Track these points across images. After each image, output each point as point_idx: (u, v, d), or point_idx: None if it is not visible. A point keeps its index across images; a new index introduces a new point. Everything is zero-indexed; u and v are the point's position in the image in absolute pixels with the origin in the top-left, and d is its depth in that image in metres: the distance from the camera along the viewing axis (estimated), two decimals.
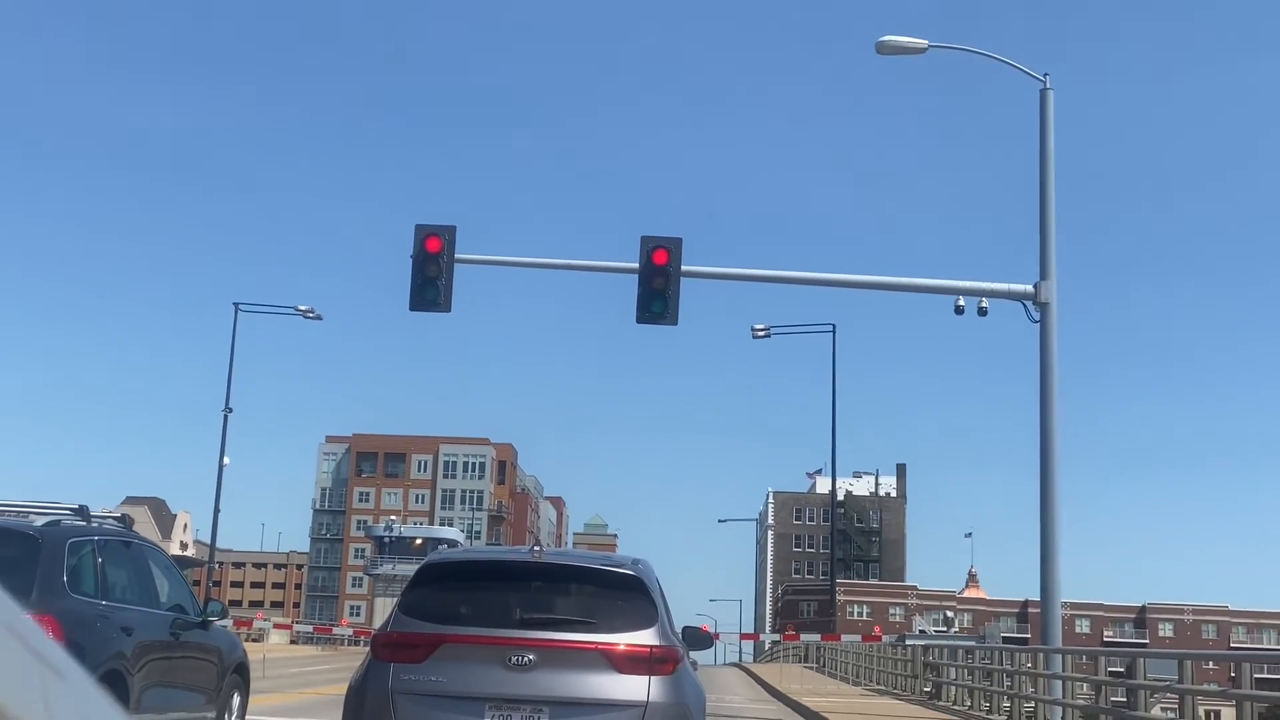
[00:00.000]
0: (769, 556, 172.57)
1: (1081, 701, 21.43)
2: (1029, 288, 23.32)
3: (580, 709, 8.99)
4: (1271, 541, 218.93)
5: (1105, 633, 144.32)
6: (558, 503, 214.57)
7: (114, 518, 12.22)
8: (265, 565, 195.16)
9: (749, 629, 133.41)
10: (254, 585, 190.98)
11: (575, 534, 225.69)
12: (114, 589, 11.03)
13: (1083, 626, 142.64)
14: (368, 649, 9.77)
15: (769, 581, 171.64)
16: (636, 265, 23.17)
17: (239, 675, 13.48)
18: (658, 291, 22.98)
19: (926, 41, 24.39)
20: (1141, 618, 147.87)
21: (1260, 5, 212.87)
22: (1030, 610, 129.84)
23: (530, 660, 8.98)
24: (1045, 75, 24.10)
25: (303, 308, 52.20)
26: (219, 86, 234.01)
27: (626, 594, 9.52)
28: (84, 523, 11.24)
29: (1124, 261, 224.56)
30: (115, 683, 10.25)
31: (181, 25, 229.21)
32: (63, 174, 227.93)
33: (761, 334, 46.80)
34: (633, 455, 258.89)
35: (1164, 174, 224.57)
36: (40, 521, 10.75)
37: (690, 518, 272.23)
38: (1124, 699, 19.84)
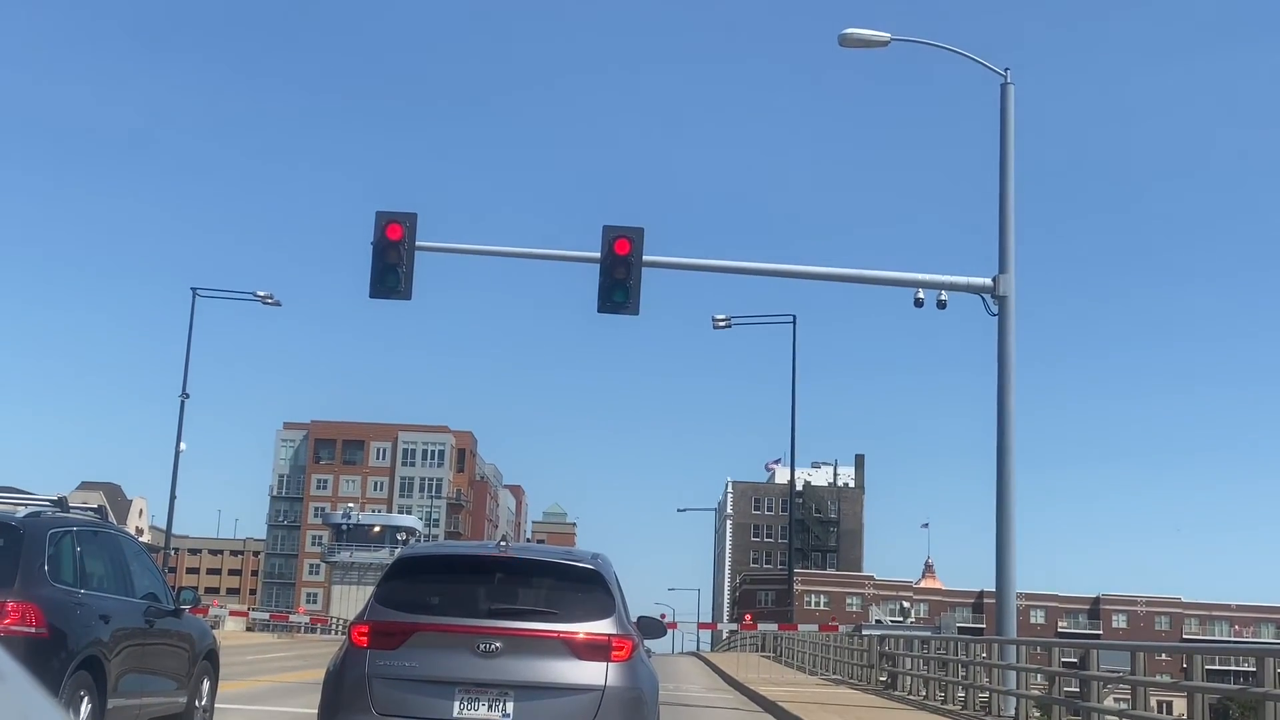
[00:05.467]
0: (727, 546, 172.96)
1: (1035, 692, 21.61)
2: (988, 281, 23.45)
3: (543, 693, 9.62)
4: (1224, 533, 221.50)
5: (1059, 623, 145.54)
6: (517, 491, 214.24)
7: (91, 509, 12.63)
8: (221, 552, 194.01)
9: (707, 618, 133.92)
10: (210, 572, 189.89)
11: (534, 523, 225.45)
12: (92, 578, 11.42)
13: (1037, 617, 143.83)
14: (344, 637, 10.35)
15: (727, 571, 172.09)
16: (598, 255, 23.17)
17: (209, 662, 13.96)
18: (619, 281, 22.99)
19: (889, 35, 24.46)
20: (1095, 609, 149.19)
21: (1219, 1, 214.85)
22: (986, 601, 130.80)
23: (497, 648, 9.59)
24: (1006, 70, 24.23)
25: (261, 293, 51.93)
26: (178, 68, 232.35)
27: (586, 586, 10.15)
28: (63, 513, 11.54)
29: (1081, 252, 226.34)
30: (93, 668, 10.68)
31: (141, 7, 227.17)
32: (18, 156, 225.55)
33: (722, 324, 46.88)
34: (592, 444, 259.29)
35: (1124, 167, 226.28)
36: (22, 512, 11.03)
37: (649, 507, 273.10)
38: (1077, 690, 20.05)
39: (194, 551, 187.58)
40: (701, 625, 71.50)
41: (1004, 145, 23.91)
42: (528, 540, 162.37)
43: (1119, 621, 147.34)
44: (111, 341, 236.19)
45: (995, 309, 23.33)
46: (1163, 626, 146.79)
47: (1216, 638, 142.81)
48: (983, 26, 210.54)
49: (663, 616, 12.31)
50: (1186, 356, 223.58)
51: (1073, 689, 22.03)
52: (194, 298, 52.08)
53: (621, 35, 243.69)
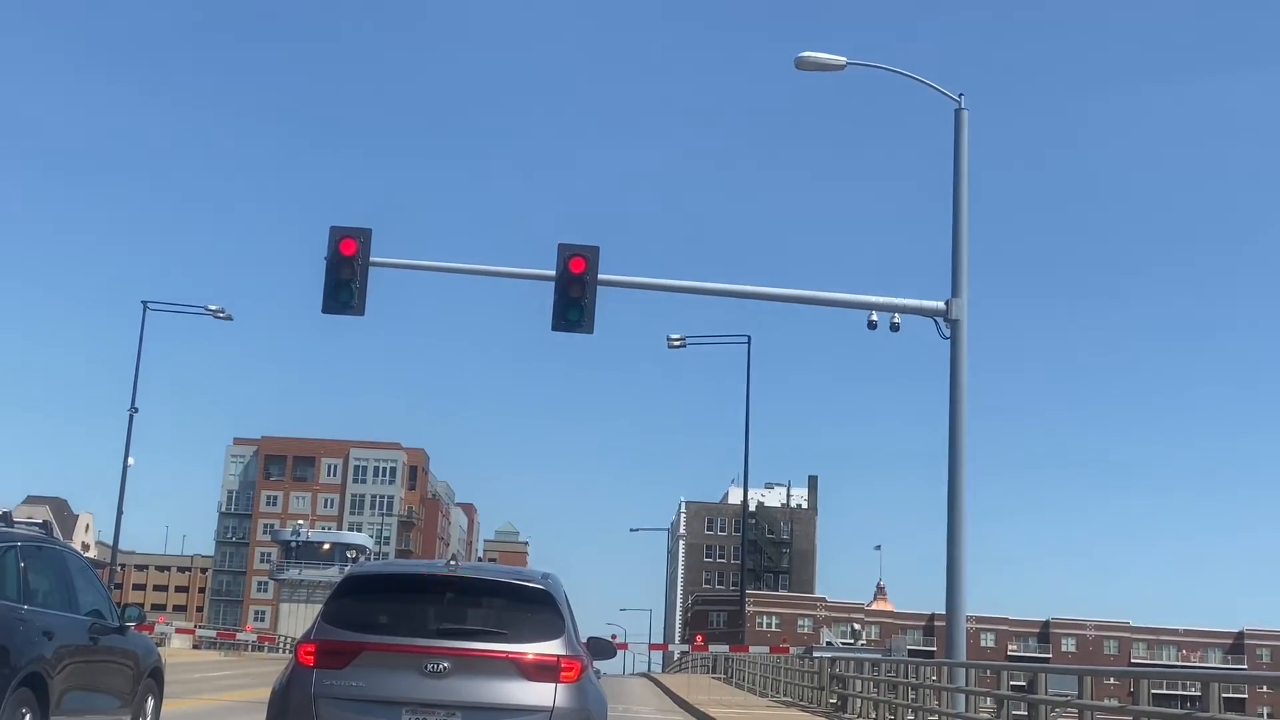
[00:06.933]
0: (680, 566, 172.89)
1: (984, 715, 21.66)
2: (940, 304, 23.55)
3: (491, 713, 9.56)
4: (1171, 559, 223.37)
5: (1010, 647, 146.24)
6: (469, 509, 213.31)
7: (36, 524, 12.56)
8: (169, 568, 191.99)
9: (659, 639, 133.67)
10: (156, 588, 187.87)
11: (486, 541, 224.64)
12: (36, 594, 11.25)
13: (988, 640, 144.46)
14: (291, 656, 10.24)
15: (679, 591, 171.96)
16: (553, 273, 23.12)
17: (154, 680, 13.83)
18: (574, 300, 22.95)
19: (845, 59, 24.60)
20: (1045, 632, 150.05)
21: (1169, 31, 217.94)
22: (937, 623, 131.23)
23: (445, 668, 9.55)
24: (960, 95, 24.40)
25: (213, 307, 51.58)
26: (128, 83, 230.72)
27: (536, 607, 10.09)
28: (7, 528, 11.38)
29: (1035, 270, 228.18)
30: (36, 685, 10.53)
31: (93, 23, 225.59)
32: None
33: (677, 344, 46.95)
34: (545, 463, 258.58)
35: (1073, 190, 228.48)
36: None
37: (602, 526, 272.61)
38: (1025, 713, 20.08)
39: (141, 568, 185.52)
40: (653, 646, 71.50)
41: (957, 170, 24.07)
42: (479, 559, 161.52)
43: (1068, 645, 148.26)
44: (59, 355, 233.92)
45: (948, 333, 23.42)
46: (1111, 650, 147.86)
47: (1163, 662, 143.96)
48: (939, 50, 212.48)
49: (614, 637, 12.41)
50: (1138, 378, 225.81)
51: (1021, 712, 22.06)
52: (144, 311, 51.76)
53: (577, 54, 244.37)
